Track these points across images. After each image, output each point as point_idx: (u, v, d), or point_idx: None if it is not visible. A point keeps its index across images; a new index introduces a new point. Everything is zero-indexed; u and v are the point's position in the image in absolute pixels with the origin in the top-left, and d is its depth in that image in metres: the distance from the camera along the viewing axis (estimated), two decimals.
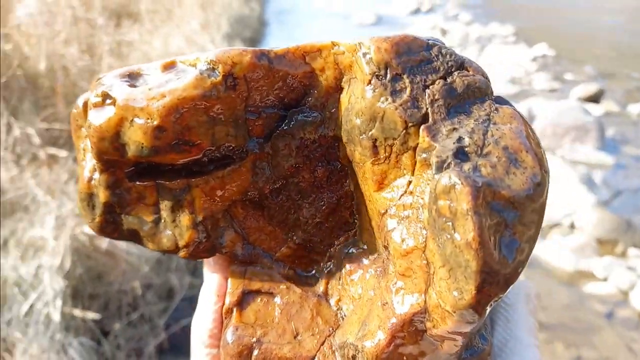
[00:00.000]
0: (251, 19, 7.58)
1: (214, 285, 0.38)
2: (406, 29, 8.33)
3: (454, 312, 0.27)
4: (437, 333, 0.29)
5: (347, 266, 0.36)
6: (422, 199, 0.30)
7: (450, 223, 0.26)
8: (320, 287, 0.37)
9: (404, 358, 0.30)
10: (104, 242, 1.60)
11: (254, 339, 0.35)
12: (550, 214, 3.26)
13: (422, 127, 0.30)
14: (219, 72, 0.32)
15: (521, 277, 0.30)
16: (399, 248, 0.30)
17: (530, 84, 5.93)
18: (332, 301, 0.36)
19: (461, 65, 0.32)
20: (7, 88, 2.51)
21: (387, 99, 0.31)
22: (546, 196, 0.28)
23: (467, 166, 0.27)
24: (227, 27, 5.58)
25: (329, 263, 0.37)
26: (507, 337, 0.35)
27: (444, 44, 0.33)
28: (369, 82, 0.31)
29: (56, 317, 1.45)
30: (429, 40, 0.33)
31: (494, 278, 0.26)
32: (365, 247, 0.36)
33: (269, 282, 0.37)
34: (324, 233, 0.37)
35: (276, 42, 7.67)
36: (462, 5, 10.53)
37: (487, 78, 0.32)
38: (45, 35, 2.52)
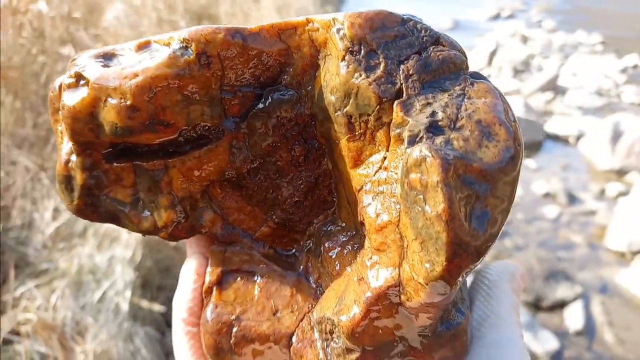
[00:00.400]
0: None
1: (193, 264, 0.39)
2: (485, 34, 8.04)
3: (426, 284, 0.27)
4: (411, 306, 0.29)
5: (326, 244, 0.35)
6: (396, 174, 0.29)
7: (421, 196, 0.26)
8: (300, 266, 0.37)
9: (380, 331, 0.30)
10: None
11: (233, 317, 0.35)
12: (634, 238, 3.01)
13: (396, 102, 0.29)
14: (192, 51, 0.32)
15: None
16: (373, 223, 0.30)
17: (619, 97, 5.51)
18: (312, 279, 0.36)
19: (437, 40, 0.31)
20: None
21: (361, 75, 0.30)
22: (519, 169, 0.28)
23: (439, 140, 0.27)
24: None
25: (308, 241, 0.37)
26: (487, 313, 0.35)
27: (420, 20, 0.32)
28: (343, 58, 0.31)
29: (125, 306, 1.52)
30: (404, 15, 0.32)
31: (465, 249, 0.26)
32: (343, 224, 0.36)
33: (249, 262, 0.37)
34: (303, 212, 0.36)
35: None
36: (547, 11, 10.00)
37: (463, 53, 0.32)
38: (131, 37, 2.67)
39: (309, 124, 0.35)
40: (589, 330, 2.51)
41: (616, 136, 4.09)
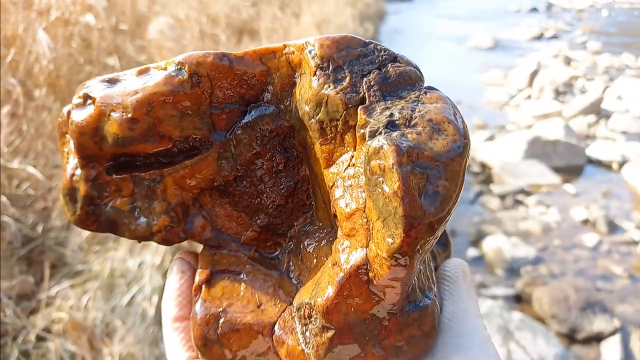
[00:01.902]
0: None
1: (176, 264, 0.42)
2: (527, 54, 7.90)
3: (389, 257, 0.30)
4: (379, 282, 0.32)
5: (305, 242, 0.39)
6: (361, 167, 0.33)
7: (381, 179, 0.30)
8: (282, 266, 0.40)
9: (352, 309, 0.33)
10: (200, 246, 1.68)
11: (220, 309, 0.38)
12: None
13: (360, 107, 0.34)
14: (185, 72, 0.37)
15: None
16: (343, 212, 0.34)
17: None
18: (293, 276, 0.39)
19: (394, 58, 0.36)
20: None
21: (329, 86, 0.35)
22: (466, 160, 0.31)
23: (395, 134, 0.31)
24: None
25: (290, 243, 0.40)
26: (455, 309, 0.39)
27: (380, 43, 0.37)
28: (315, 74, 0.36)
29: (151, 311, 1.55)
30: (365, 40, 0.37)
31: (419, 222, 0.29)
32: (320, 224, 0.39)
33: (235, 263, 0.40)
34: (285, 215, 0.40)
35: None
36: (592, 32, 9.75)
37: (417, 69, 0.36)
38: (175, 49, 2.76)
39: (288, 134, 0.39)
40: None
41: None
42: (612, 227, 3.46)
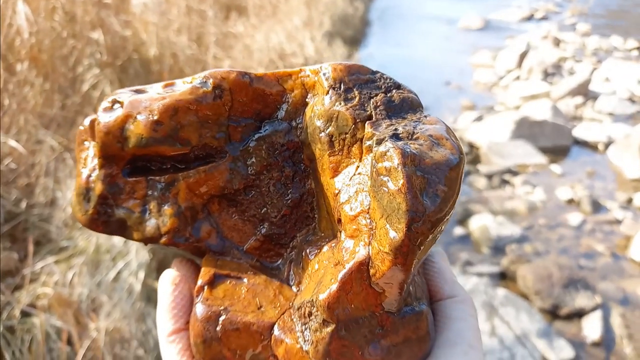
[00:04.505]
0: (354, 18, 7.61)
1: (169, 275, 0.42)
2: (516, 36, 7.88)
3: (391, 251, 0.33)
4: (379, 279, 0.34)
5: (307, 249, 0.41)
6: (366, 175, 0.37)
7: (386, 178, 0.33)
8: (283, 275, 0.42)
9: (352, 305, 0.35)
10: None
11: (222, 308, 0.39)
12: None
13: (367, 122, 0.38)
14: (210, 84, 0.40)
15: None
16: (348, 215, 0.36)
17: None
18: (293, 283, 0.41)
19: (398, 86, 0.41)
20: (123, 71, 2.74)
21: (340, 104, 0.39)
22: (461, 172, 0.34)
23: (400, 143, 0.34)
24: (329, 25, 5.64)
25: (291, 253, 0.42)
26: (452, 294, 0.42)
27: (385, 73, 0.41)
28: (327, 93, 0.40)
29: (137, 286, 1.55)
30: (373, 69, 0.41)
31: (420, 218, 0.32)
32: (322, 234, 0.42)
33: (237, 270, 0.42)
34: (289, 226, 0.43)
35: (377, 42, 7.63)
36: (581, 14, 9.76)
37: (417, 97, 0.41)
38: (160, 24, 2.70)
39: (297, 149, 0.42)
40: (607, 341, 2.45)
41: None
42: (596, 207, 3.52)
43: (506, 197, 3.60)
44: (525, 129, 4.38)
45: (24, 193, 1.84)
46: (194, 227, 0.42)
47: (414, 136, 0.35)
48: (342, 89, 0.40)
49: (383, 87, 0.40)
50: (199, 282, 0.41)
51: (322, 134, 0.40)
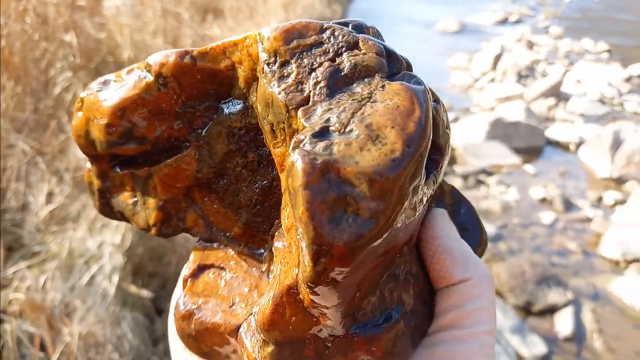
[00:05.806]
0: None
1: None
2: (491, 39, 8.03)
3: (306, 285, 0.27)
4: (309, 306, 0.29)
5: (275, 244, 0.37)
6: None
7: (294, 199, 0.26)
8: (264, 265, 0.39)
9: (290, 327, 0.30)
10: None
11: (195, 306, 0.38)
12: (628, 247, 3.01)
13: (300, 109, 0.30)
14: (151, 74, 0.36)
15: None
16: (285, 224, 0.31)
17: (622, 105, 5.50)
18: (270, 276, 0.38)
19: (354, 44, 0.31)
20: (98, 73, 2.71)
21: (273, 85, 0.31)
22: (404, 172, 0.26)
23: (320, 145, 0.26)
24: None
25: (271, 242, 0.39)
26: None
27: (343, 27, 0.32)
28: (263, 71, 0.32)
29: (111, 290, 1.54)
30: (324, 24, 0.32)
31: (328, 251, 0.25)
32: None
33: (222, 258, 0.40)
34: (264, 213, 0.39)
35: None
36: (554, 17, 9.98)
37: (381, 54, 0.31)
38: (135, 27, 2.68)
39: (258, 132, 0.37)
40: (578, 336, 2.51)
41: (616, 145, 4.09)
42: (568, 206, 3.61)
43: (481, 197, 3.66)
44: (500, 130, 4.47)
45: None
46: (178, 217, 0.41)
47: (348, 128, 0.27)
48: (277, 64, 0.31)
49: (331, 50, 0.31)
50: (185, 273, 0.40)
51: (264, 121, 0.33)
